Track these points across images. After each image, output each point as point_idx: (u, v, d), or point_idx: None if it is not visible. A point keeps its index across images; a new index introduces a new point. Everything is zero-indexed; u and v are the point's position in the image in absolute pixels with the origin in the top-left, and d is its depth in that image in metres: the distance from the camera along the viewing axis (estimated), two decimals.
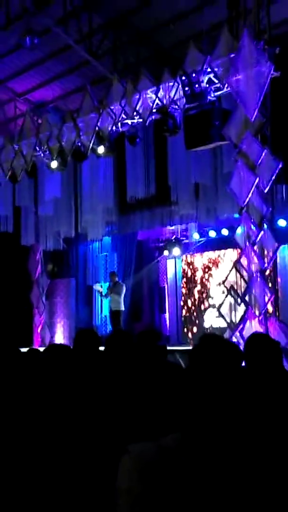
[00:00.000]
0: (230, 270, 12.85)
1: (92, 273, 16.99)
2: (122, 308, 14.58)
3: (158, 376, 3.92)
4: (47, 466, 2.39)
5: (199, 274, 16.02)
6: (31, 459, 2.38)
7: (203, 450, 1.77)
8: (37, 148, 13.50)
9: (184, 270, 16.31)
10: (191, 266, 16.19)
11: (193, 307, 16.00)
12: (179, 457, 1.82)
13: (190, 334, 15.74)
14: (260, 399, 2.73)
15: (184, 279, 16.29)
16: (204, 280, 15.87)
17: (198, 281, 15.96)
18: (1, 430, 2.60)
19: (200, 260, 15.94)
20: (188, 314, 16.05)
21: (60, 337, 17.33)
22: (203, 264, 15.90)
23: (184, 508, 1.74)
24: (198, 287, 15.95)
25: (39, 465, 2.40)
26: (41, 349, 6.83)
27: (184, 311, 16.16)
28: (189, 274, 16.21)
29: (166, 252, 16.36)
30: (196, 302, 15.94)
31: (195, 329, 15.67)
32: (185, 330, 16.03)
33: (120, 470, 1.88)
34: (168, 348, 5.60)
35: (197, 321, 15.76)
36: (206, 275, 15.84)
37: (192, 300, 16.04)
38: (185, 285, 16.28)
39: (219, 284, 14.37)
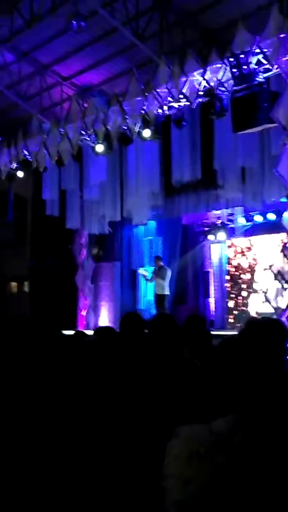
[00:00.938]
0: (277, 256, 12.71)
1: (136, 257, 17.01)
2: (167, 292, 14.56)
3: (204, 361, 3.90)
4: (97, 443, 2.41)
5: (244, 259, 15.87)
6: (82, 436, 2.40)
7: (258, 435, 1.73)
8: (83, 132, 13.52)
9: (229, 255, 16.19)
10: (236, 251, 16.05)
11: (238, 292, 15.89)
12: (231, 441, 1.79)
13: (234, 320, 15.64)
14: None
15: (229, 264, 16.17)
16: (250, 265, 15.72)
17: (244, 266, 15.82)
18: (50, 411, 2.62)
19: (245, 244, 15.79)
20: (233, 299, 15.95)
21: (105, 321, 17.44)
22: (248, 249, 15.74)
23: (236, 494, 1.71)
24: (244, 272, 15.81)
25: (92, 441, 2.42)
26: (87, 332, 6.87)
27: (229, 296, 16.06)
28: (234, 259, 16.08)
29: (211, 237, 16.26)
30: (242, 287, 15.82)
31: (239, 315, 15.55)
32: (230, 315, 15.93)
33: (168, 453, 1.86)
34: (213, 332, 5.57)
35: (242, 306, 15.65)
36: (252, 260, 15.68)
37: (238, 285, 15.93)
38: (230, 270, 16.16)
39: (265, 269, 14.20)
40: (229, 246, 16.19)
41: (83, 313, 17.43)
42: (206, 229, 16.43)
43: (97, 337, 4.20)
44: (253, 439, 1.74)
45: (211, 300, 16.56)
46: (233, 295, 15.98)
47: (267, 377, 1.88)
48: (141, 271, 15.77)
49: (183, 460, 1.82)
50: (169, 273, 14.50)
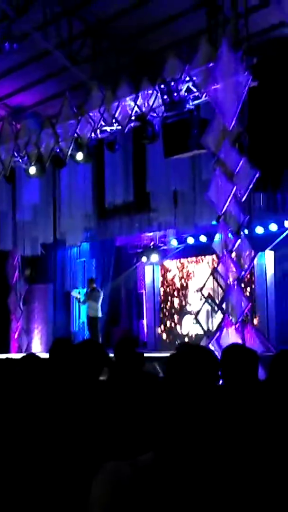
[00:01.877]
0: (208, 278, 12.95)
1: (70, 279, 16.92)
2: (100, 314, 14.56)
3: (136, 388, 3.92)
4: (21, 480, 2.38)
5: (177, 280, 16.04)
6: (7, 472, 2.37)
7: (177, 467, 1.77)
8: (15, 153, 13.44)
9: (162, 276, 16.34)
10: (169, 273, 16.22)
11: (170, 314, 16.02)
12: (154, 475, 1.82)
13: (167, 341, 15.75)
14: (235, 413, 2.75)
15: (162, 286, 16.31)
16: (182, 286, 15.90)
17: (176, 288, 15.99)
18: None
19: (178, 266, 15.98)
20: (165, 321, 16.07)
21: (37, 343, 17.22)
22: (181, 271, 15.94)
23: None
24: (176, 294, 15.98)
25: (15, 479, 2.39)
26: (19, 356, 6.77)
27: (161, 318, 16.17)
28: (167, 280, 16.24)
29: (144, 259, 16.37)
30: (174, 309, 15.96)
31: (172, 336, 15.69)
32: (163, 336, 16.03)
33: (93, 488, 1.88)
34: (146, 354, 5.61)
35: (174, 328, 15.78)
36: (184, 282, 15.87)
37: (170, 306, 16.07)
38: (163, 292, 16.30)
39: (197, 291, 14.42)
40: (162, 268, 16.34)
41: (16, 336, 17.13)
42: (139, 251, 16.53)
43: (22, 366, 4.15)
44: (172, 476, 1.77)
45: (144, 322, 16.62)
46: (166, 317, 16.10)
47: (191, 408, 1.92)
48: (74, 293, 15.71)
49: (108, 495, 1.84)
50: (101, 295, 14.52)
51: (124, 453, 2.00)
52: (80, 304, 15.60)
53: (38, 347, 16.84)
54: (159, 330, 16.13)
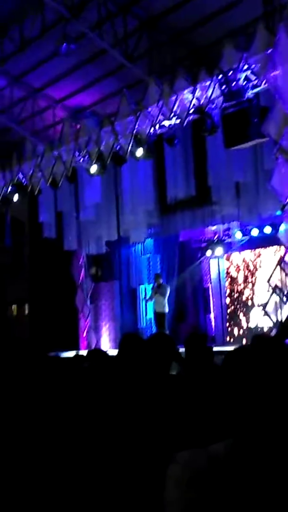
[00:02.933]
0: (274, 269, 12.72)
1: (135, 276, 17.01)
2: (167, 310, 14.57)
3: (207, 380, 3.88)
4: (95, 471, 2.39)
5: (242, 273, 15.86)
6: (76, 467, 2.38)
7: (255, 458, 1.72)
8: (76, 153, 13.60)
9: (227, 269, 16.18)
10: (234, 266, 16.05)
11: (238, 307, 15.86)
12: (229, 465, 1.78)
13: (235, 335, 15.60)
14: None
15: (228, 279, 16.16)
16: (248, 279, 15.71)
17: (242, 280, 15.81)
18: (46, 437, 2.61)
19: (243, 259, 15.79)
20: (233, 314, 15.91)
21: (106, 340, 17.41)
22: (246, 263, 15.74)
23: None
24: (242, 286, 15.80)
25: (90, 469, 2.39)
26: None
27: (229, 311, 16.03)
28: (233, 273, 16.07)
29: (208, 252, 16.26)
30: (241, 302, 15.79)
31: (241, 330, 15.52)
32: (231, 330, 15.89)
33: (168, 479, 1.85)
34: (214, 349, 5.56)
35: (242, 321, 15.61)
36: (250, 274, 15.67)
37: (237, 299, 15.90)
38: (229, 285, 16.15)
39: (264, 283, 14.20)
40: (227, 261, 16.19)
41: (84, 334, 17.39)
42: (203, 245, 16.43)
43: (88, 363, 4.19)
44: (250, 464, 1.73)
45: (212, 316, 16.52)
46: (233, 310, 15.94)
47: (272, 398, 1.86)
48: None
49: (183, 486, 1.81)
50: (168, 290, 14.53)
51: (197, 444, 1.97)
52: (146, 302, 15.66)
53: (106, 344, 17.03)
54: (226, 324, 16.00)
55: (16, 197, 15.25)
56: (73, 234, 15.82)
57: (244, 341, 14.18)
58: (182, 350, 4.74)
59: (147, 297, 15.33)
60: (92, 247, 16.14)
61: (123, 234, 15.18)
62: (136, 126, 12.04)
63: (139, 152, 12.16)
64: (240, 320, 15.68)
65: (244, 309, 15.62)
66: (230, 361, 2.03)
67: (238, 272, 15.97)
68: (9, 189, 15.29)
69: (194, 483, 1.83)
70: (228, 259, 16.14)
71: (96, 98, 15.65)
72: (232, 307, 15.96)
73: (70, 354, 14.07)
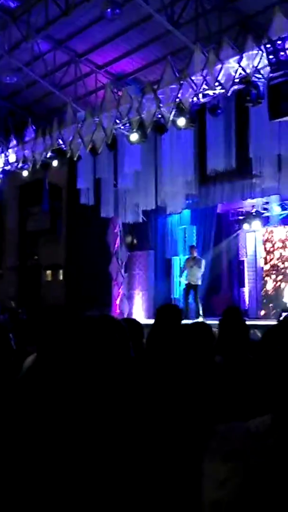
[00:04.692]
0: None
1: (170, 246, 16.98)
2: (200, 282, 14.51)
3: (243, 356, 3.86)
4: (133, 440, 2.40)
5: (279, 248, 15.70)
6: (117, 432, 2.40)
7: None
8: (117, 120, 13.49)
9: (264, 243, 16.03)
10: (271, 240, 15.88)
11: (272, 281, 15.74)
12: (268, 440, 1.76)
13: (269, 309, 15.51)
14: None
15: (264, 253, 16.01)
16: (284, 254, 15.54)
17: (278, 255, 15.65)
18: (86, 402, 2.62)
19: (280, 234, 15.60)
20: (267, 288, 15.81)
21: (138, 309, 17.50)
22: (283, 238, 15.56)
23: (269, 497, 1.68)
24: (278, 261, 15.64)
25: (128, 438, 2.41)
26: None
27: (263, 285, 15.92)
28: (269, 248, 15.91)
29: (246, 226, 16.12)
30: (276, 276, 15.66)
31: (274, 304, 15.43)
32: (264, 304, 15.81)
33: (205, 451, 1.84)
34: (247, 322, 5.53)
35: (276, 296, 15.51)
36: (287, 249, 15.50)
37: (272, 274, 15.77)
38: (264, 259, 16.01)
39: None
40: (264, 235, 16.02)
41: (117, 301, 17.50)
42: (241, 218, 16.28)
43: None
44: None
45: (246, 290, 16.44)
46: (268, 284, 15.83)
47: None
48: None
49: (219, 459, 1.79)
50: (203, 264, 14.46)
51: (236, 419, 1.95)
52: (181, 273, 15.62)
53: (139, 313, 17.13)
54: (260, 298, 15.92)
55: (55, 163, 15.26)
56: (110, 202, 15.81)
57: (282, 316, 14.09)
58: (213, 322, 4.74)
59: (181, 265, 15.25)
60: (129, 215, 16.11)
61: (160, 203, 15.10)
62: (179, 95, 11.86)
63: (181, 121, 11.99)
64: (274, 294, 15.57)
65: (279, 284, 15.49)
66: (270, 337, 2.00)
67: (274, 247, 15.80)
68: (48, 155, 15.30)
69: (231, 456, 1.81)
70: (265, 233, 15.97)
71: (140, 64, 15.46)
72: (267, 282, 15.85)
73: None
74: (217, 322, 4.62)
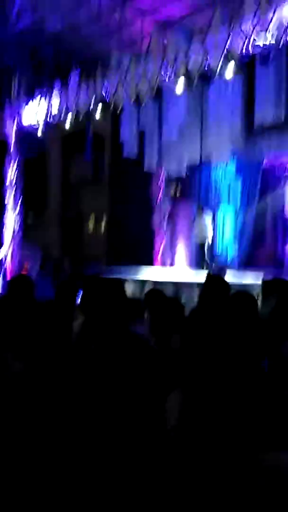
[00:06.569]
0: None
1: (213, 199, 16.82)
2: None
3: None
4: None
5: None
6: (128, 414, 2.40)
7: None
8: (162, 70, 13.12)
9: None
10: None
11: None
12: None
13: None
14: None
15: None
16: None
17: None
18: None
19: None
20: None
21: (181, 259, 17.68)
22: None
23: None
24: None
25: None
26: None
27: None
28: None
29: None
30: None
31: None
32: None
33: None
34: None
35: None
36: None
37: None
38: None
39: None
40: None
41: (160, 251, 17.61)
42: (287, 173, 15.90)
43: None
44: None
45: None
46: None
47: None
48: None
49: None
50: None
51: None
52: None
53: (182, 263, 17.28)
54: None
55: (98, 112, 15.03)
56: (153, 155, 15.56)
57: None
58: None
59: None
60: (173, 168, 15.87)
61: (205, 156, 14.79)
62: (228, 44, 11.42)
63: (229, 71, 11.60)
64: None
65: None
66: None
67: None
68: (92, 103, 15.05)
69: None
70: None
71: (187, 10, 14.92)
72: None
73: (146, 271, 14.32)
74: (258, 274, 4.65)
